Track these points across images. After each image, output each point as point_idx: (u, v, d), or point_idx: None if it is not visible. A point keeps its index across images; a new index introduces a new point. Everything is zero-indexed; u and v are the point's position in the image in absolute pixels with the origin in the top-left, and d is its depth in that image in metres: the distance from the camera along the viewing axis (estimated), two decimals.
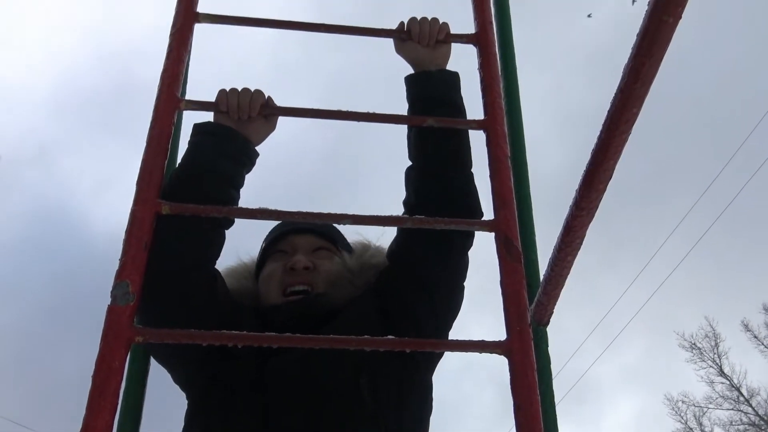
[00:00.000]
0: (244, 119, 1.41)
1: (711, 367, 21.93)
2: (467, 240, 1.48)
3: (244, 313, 1.49)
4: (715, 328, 22.35)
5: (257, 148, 1.50)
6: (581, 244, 1.12)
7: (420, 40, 1.53)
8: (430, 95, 1.55)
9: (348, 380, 1.35)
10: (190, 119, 1.66)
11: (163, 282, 1.32)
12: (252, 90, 1.43)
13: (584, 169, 0.96)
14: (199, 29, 1.40)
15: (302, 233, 1.60)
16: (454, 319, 1.52)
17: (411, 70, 1.62)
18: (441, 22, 1.56)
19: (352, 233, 1.68)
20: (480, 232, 1.22)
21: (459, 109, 1.56)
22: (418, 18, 1.55)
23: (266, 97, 1.42)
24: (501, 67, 1.47)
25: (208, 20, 1.41)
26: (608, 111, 0.86)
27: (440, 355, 1.52)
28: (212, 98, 1.44)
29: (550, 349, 1.48)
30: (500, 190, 1.15)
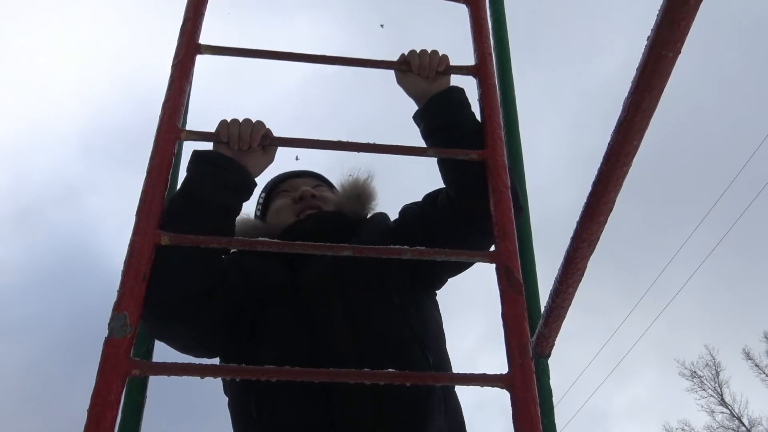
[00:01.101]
0: (244, 149, 1.43)
1: (712, 396, 21.71)
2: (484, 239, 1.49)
3: (268, 259, 1.56)
4: (716, 357, 22.18)
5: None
6: (582, 275, 1.11)
7: (420, 71, 1.54)
8: (441, 122, 1.55)
9: (376, 281, 1.51)
10: (189, 147, 1.67)
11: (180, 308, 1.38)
12: (253, 121, 1.45)
13: (585, 201, 0.96)
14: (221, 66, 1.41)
15: (300, 176, 1.78)
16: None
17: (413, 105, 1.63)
18: (441, 54, 1.57)
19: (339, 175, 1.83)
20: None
21: (469, 125, 1.53)
22: (418, 51, 1.56)
23: (266, 128, 1.44)
24: (500, 98, 1.48)
25: (209, 51, 1.42)
26: (609, 143, 0.87)
27: (440, 279, 1.62)
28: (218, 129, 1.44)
29: (551, 381, 1.46)
30: (501, 220, 1.15)
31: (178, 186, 1.45)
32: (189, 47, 1.39)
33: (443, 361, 1.53)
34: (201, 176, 1.44)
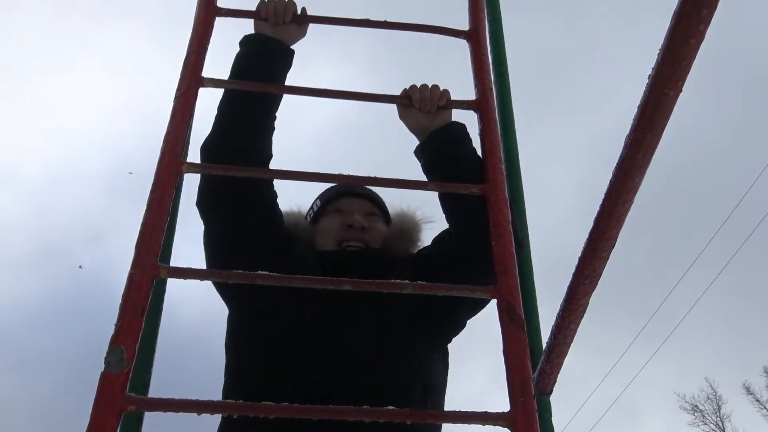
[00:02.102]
0: (279, 23, 1.68)
1: (714, 430, 21.40)
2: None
3: (303, 245, 1.67)
4: (717, 390, 21.93)
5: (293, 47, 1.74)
6: (584, 311, 1.10)
7: (421, 106, 1.56)
8: (441, 158, 1.60)
9: (404, 321, 1.56)
10: (190, 179, 1.67)
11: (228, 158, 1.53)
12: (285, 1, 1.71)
13: (587, 237, 0.95)
14: None
15: (358, 197, 1.80)
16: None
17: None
18: (442, 88, 1.58)
19: (393, 198, 1.88)
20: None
21: (468, 161, 1.57)
22: (419, 85, 1.57)
23: (296, 6, 1.69)
24: (501, 132, 1.49)
25: (212, 85, 1.44)
26: (610, 180, 0.87)
27: (460, 323, 1.66)
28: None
29: (553, 418, 1.44)
30: (502, 255, 1.15)
31: (179, 221, 1.47)
32: (192, 80, 1.40)
33: (440, 407, 1.55)
34: (246, 50, 1.70)
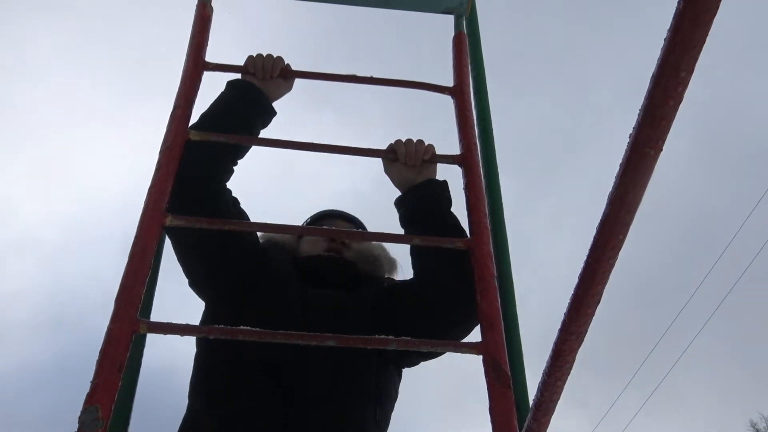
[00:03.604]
0: (266, 78, 1.72)
1: None
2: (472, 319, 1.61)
3: (283, 252, 1.77)
4: None
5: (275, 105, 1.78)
6: (571, 368, 1.09)
7: (406, 160, 1.58)
8: (420, 211, 1.63)
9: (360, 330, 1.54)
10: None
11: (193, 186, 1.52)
12: (274, 55, 1.75)
13: (572, 293, 0.95)
14: None
15: (342, 219, 1.96)
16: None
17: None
18: (426, 143, 1.60)
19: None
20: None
21: (439, 221, 1.62)
22: (404, 139, 1.59)
23: (285, 62, 1.75)
24: (485, 186, 1.50)
25: (198, 138, 1.44)
26: (594, 237, 0.87)
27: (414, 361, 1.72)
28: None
29: None
30: (487, 311, 1.14)
31: (157, 273, 1.47)
32: (178, 134, 1.40)
33: (385, 423, 1.63)
34: (229, 95, 1.73)
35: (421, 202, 1.63)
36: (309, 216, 2.02)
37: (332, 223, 1.95)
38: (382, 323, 1.60)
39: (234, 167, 1.71)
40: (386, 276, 1.85)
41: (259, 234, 1.80)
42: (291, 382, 1.48)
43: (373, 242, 1.89)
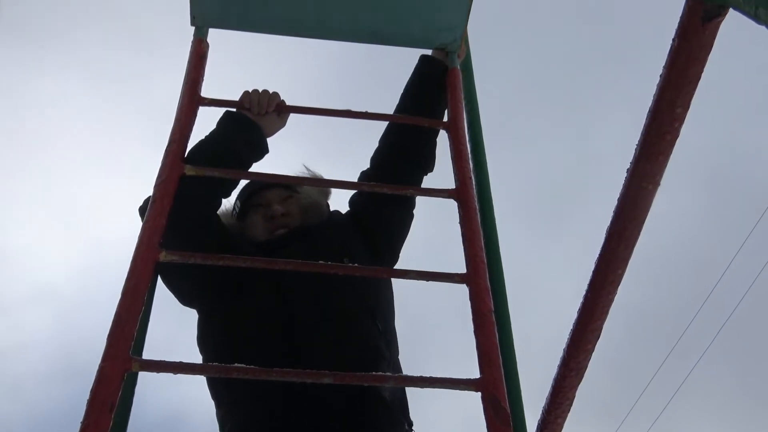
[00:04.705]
0: (261, 114, 1.76)
1: None
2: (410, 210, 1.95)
3: (242, 241, 1.87)
4: None
5: (269, 140, 1.84)
6: (571, 405, 1.07)
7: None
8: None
9: (341, 259, 1.74)
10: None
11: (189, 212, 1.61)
12: (270, 91, 1.79)
13: (571, 329, 0.94)
14: None
15: (271, 188, 1.98)
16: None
17: None
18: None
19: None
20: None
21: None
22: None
23: (280, 98, 1.79)
24: (480, 220, 1.49)
25: (193, 172, 1.44)
26: (592, 272, 0.86)
27: (395, 249, 1.92)
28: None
29: None
30: (485, 346, 1.12)
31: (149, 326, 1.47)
32: (173, 168, 1.40)
33: (390, 332, 1.76)
34: (225, 127, 1.79)
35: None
36: (236, 195, 2.06)
37: (264, 196, 1.97)
38: (354, 222, 1.87)
39: (224, 199, 1.82)
40: (328, 195, 2.04)
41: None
42: (293, 310, 1.64)
43: (306, 188, 2.01)
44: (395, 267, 1.87)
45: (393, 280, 1.86)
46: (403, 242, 1.97)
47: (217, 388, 1.68)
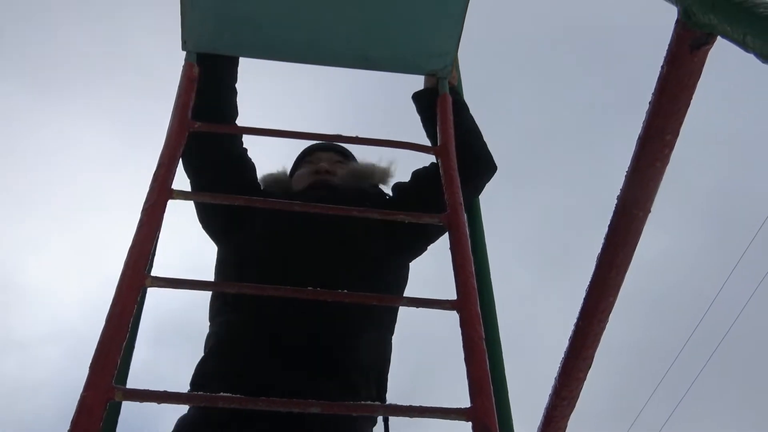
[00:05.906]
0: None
1: None
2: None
3: (277, 190, 2.02)
4: None
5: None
6: None
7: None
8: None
9: (354, 238, 1.80)
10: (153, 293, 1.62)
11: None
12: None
13: (562, 357, 0.93)
14: None
15: (326, 150, 2.12)
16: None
17: None
18: None
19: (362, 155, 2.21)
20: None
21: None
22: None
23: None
24: (471, 247, 1.49)
25: (182, 197, 1.42)
26: (584, 299, 0.85)
27: (421, 247, 1.93)
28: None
29: None
30: (476, 374, 1.10)
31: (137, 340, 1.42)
32: (161, 192, 1.39)
33: (387, 279, 1.78)
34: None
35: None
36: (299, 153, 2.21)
37: (315, 156, 2.10)
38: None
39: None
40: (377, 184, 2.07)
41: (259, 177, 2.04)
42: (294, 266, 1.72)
43: (363, 163, 2.11)
44: (405, 278, 1.89)
45: (393, 283, 1.87)
46: (412, 257, 1.95)
47: (217, 301, 1.77)
